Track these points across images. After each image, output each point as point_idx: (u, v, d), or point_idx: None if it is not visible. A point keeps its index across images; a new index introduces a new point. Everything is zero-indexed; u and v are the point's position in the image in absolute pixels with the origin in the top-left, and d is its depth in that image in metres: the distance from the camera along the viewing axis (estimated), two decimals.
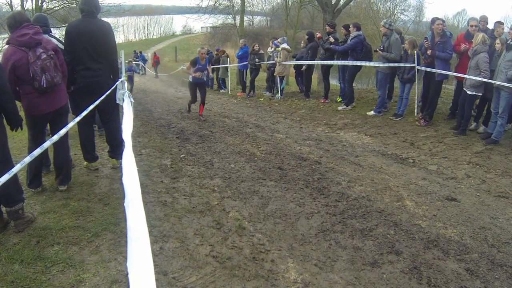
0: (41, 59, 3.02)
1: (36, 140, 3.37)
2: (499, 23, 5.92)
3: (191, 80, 7.24)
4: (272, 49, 10.32)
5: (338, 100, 8.37)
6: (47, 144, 2.28)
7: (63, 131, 2.51)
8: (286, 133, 6.23)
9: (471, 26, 5.89)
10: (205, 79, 7.48)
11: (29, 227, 2.86)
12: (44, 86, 3.06)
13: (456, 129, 5.79)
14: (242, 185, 3.91)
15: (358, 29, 7.51)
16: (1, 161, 2.72)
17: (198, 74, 7.03)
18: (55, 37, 4.09)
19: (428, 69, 6.08)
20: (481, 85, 5.32)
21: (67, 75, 3.50)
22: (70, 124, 2.67)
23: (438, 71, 5.94)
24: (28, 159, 1.99)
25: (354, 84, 8.06)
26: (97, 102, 3.41)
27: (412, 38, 6.80)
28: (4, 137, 2.81)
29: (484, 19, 6.11)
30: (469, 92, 5.44)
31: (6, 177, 1.73)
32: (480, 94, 5.46)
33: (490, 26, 6.12)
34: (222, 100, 10.68)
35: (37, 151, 2.12)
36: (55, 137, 2.36)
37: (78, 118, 2.88)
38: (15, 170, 1.86)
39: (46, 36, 3.37)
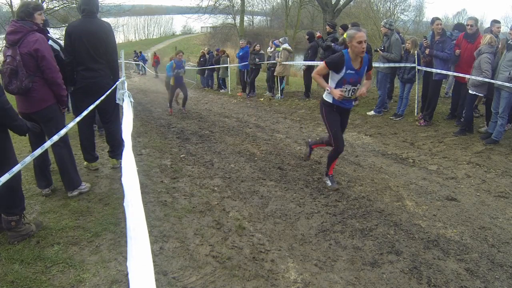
0: (5, 62, 2.94)
1: (30, 137, 3.35)
2: (495, 22, 5.93)
3: (328, 99, 3.63)
4: (272, 49, 10.31)
5: None
6: (47, 144, 2.28)
7: (62, 131, 2.51)
8: (286, 133, 6.23)
9: (467, 25, 5.91)
10: (353, 103, 4.15)
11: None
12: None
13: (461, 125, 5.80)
14: (242, 185, 3.91)
15: None
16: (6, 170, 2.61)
17: (363, 92, 3.47)
18: (52, 38, 4.06)
19: (428, 69, 6.08)
20: (483, 85, 5.32)
21: (55, 82, 3.17)
22: (70, 124, 2.67)
23: (439, 71, 5.94)
24: (28, 159, 1.99)
25: None
26: (97, 102, 3.41)
27: (414, 38, 6.80)
28: (8, 145, 2.67)
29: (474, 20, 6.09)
30: (470, 92, 5.44)
31: (6, 176, 1.73)
32: (482, 94, 5.45)
33: (487, 25, 6.15)
34: (222, 100, 10.69)
35: (37, 151, 2.12)
36: (55, 137, 2.36)
37: (78, 118, 2.87)
38: (15, 169, 1.86)
39: (38, 35, 3.05)
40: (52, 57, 3.16)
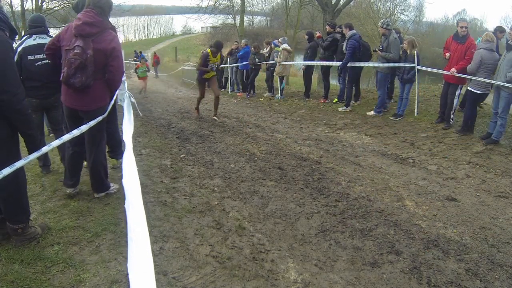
0: (73, 51, 2.87)
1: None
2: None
3: None
4: (267, 49, 10.30)
5: (334, 101, 8.33)
6: (66, 136, 2.26)
7: (80, 130, 2.49)
8: (286, 133, 6.23)
9: (461, 27, 5.81)
10: None
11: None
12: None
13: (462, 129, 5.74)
14: (242, 185, 3.91)
15: (351, 28, 7.48)
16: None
17: None
18: (52, 38, 4.06)
19: (428, 69, 6.08)
20: (482, 84, 5.31)
21: (116, 85, 3.12)
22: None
23: (439, 71, 5.94)
24: (35, 155, 1.97)
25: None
26: None
27: (411, 38, 6.80)
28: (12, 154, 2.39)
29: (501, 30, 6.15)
30: (473, 90, 5.40)
31: (7, 170, 1.73)
32: (487, 93, 5.44)
33: (487, 24, 6.17)
34: (222, 100, 10.65)
35: (56, 143, 2.10)
36: (76, 131, 2.34)
37: None
38: (18, 164, 1.85)
39: (113, 34, 2.98)
40: (123, 60, 3.06)
